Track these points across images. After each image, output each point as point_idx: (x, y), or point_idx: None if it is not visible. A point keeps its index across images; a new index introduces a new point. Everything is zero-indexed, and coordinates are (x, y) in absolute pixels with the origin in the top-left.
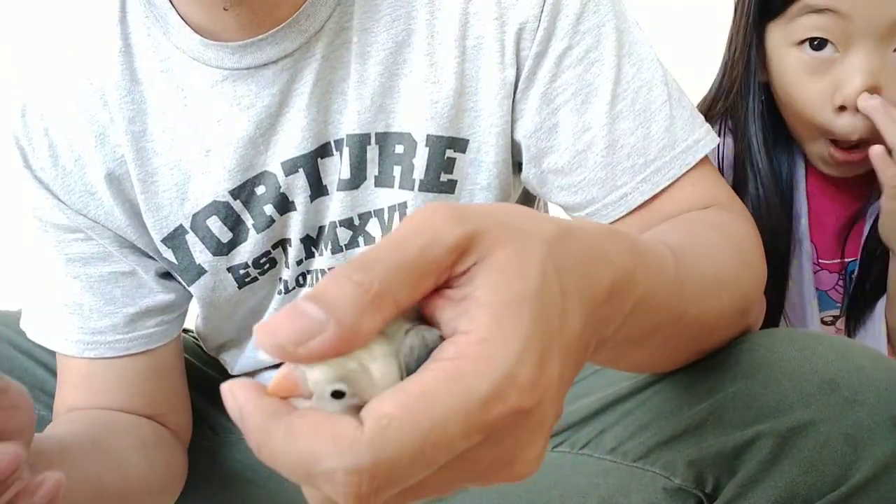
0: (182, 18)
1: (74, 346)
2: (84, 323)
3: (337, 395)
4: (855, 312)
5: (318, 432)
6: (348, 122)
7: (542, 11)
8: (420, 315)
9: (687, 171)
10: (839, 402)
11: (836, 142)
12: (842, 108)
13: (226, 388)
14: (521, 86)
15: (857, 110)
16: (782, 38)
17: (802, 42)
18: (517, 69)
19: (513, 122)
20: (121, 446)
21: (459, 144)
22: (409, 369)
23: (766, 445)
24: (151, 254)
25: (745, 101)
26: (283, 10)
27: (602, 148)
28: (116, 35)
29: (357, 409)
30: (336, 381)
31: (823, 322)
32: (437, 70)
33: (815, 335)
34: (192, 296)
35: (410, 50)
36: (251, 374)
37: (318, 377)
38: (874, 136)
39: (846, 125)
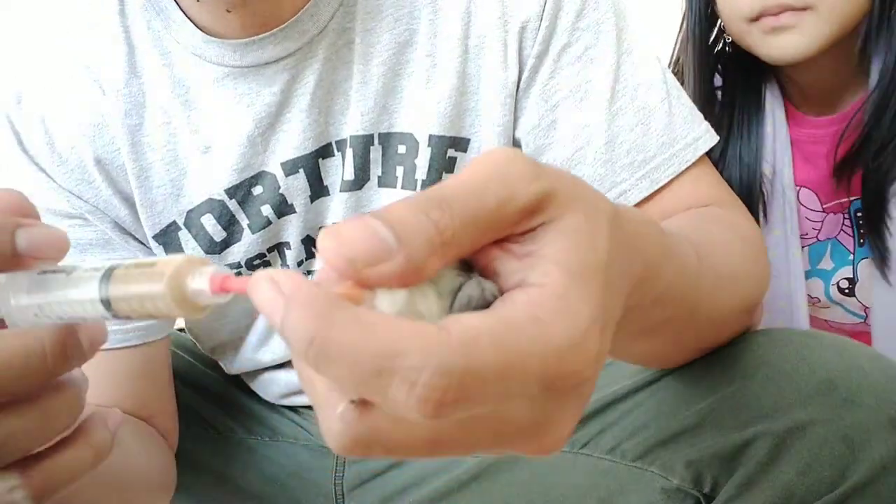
0: (184, 13)
1: None
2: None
3: None
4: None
5: (399, 327)
6: (351, 122)
7: (543, 10)
8: (464, 260)
9: (687, 169)
10: (837, 403)
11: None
12: None
13: (262, 275)
14: (522, 84)
15: None
16: None
17: None
18: (519, 68)
19: (514, 119)
20: (121, 434)
21: (461, 144)
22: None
23: (763, 446)
24: (147, 244)
25: (690, 26)
26: (286, 11)
27: (601, 144)
28: (117, 26)
29: None
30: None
31: (840, 289)
32: (439, 70)
33: (812, 335)
34: None
35: (413, 50)
36: (250, 375)
37: (388, 308)
38: (793, 3)
39: None
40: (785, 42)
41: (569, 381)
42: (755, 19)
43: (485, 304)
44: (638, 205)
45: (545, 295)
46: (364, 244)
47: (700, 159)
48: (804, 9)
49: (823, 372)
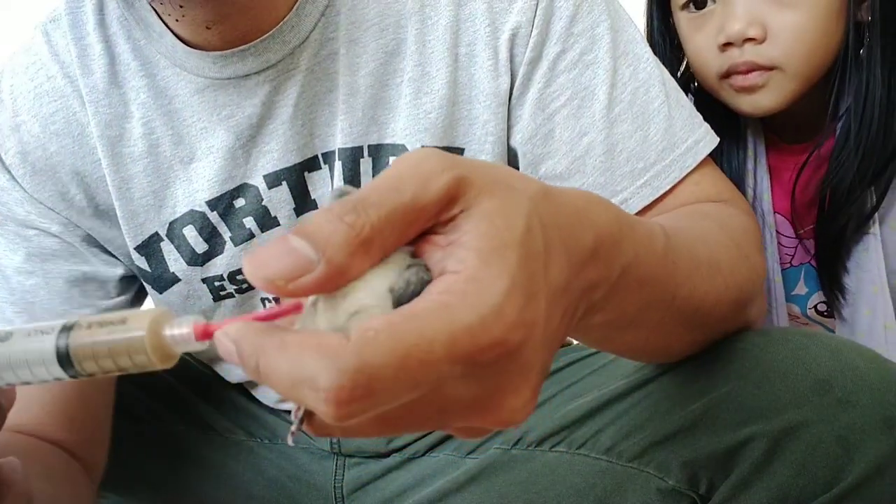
0: (165, 24)
1: None
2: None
3: None
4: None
5: (306, 343)
6: (338, 134)
7: (535, 15)
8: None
9: (688, 173)
10: (832, 403)
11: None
12: (726, 45)
13: (219, 332)
14: (515, 92)
15: (741, 44)
16: (675, 9)
17: (686, 4)
18: (511, 76)
19: (508, 128)
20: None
21: (454, 154)
22: (401, 302)
23: (758, 447)
24: (121, 258)
25: None
26: (267, 24)
27: (600, 153)
28: (96, 38)
29: None
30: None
31: (818, 311)
32: (429, 79)
33: (808, 334)
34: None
35: (401, 60)
36: (250, 381)
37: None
38: (760, 62)
39: (732, 56)
40: (755, 100)
41: (492, 351)
42: (726, 76)
43: (422, 288)
44: (640, 212)
45: (458, 280)
46: (282, 262)
47: (701, 161)
48: (771, 68)
49: (819, 372)
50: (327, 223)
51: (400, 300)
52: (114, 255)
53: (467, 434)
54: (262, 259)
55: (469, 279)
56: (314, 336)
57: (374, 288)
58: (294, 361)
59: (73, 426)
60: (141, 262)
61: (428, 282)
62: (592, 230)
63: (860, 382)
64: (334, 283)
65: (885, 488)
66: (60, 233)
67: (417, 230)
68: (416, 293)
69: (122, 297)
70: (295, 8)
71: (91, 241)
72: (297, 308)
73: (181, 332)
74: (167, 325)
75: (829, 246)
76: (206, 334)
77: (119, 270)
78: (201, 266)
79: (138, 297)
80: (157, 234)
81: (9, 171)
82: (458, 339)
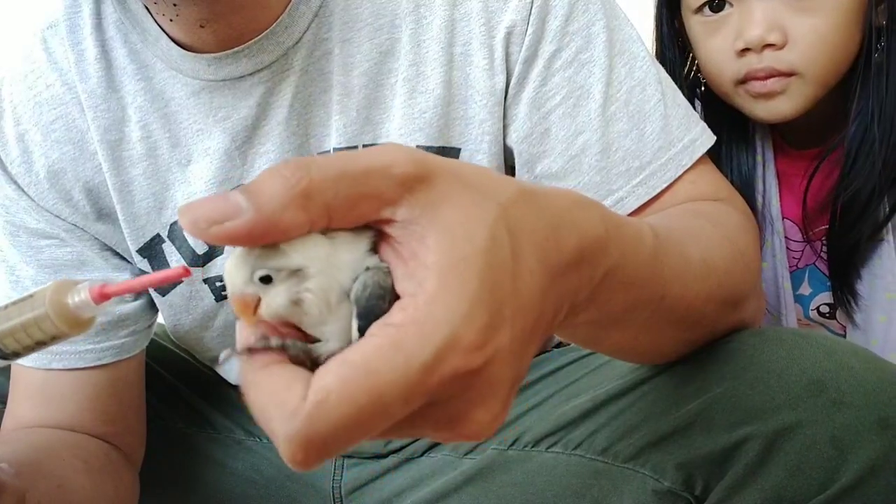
0: (160, 27)
1: (41, 357)
2: None
3: (266, 280)
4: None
5: (273, 395)
6: (333, 135)
7: (530, 14)
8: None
9: (684, 172)
10: (826, 404)
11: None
12: (744, 51)
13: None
14: (511, 91)
15: (760, 49)
16: (687, 12)
17: (700, 8)
18: (507, 74)
19: (504, 127)
20: (64, 470)
21: (451, 154)
22: (358, 303)
23: (752, 448)
24: (129, 259)
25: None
26: (261, 24)
27: (596, 152)
28: (92, 42)
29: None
30: (257, 269)
31: (820, 313)
32: (423, 79)
33: (803, 334)
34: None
35: (395, 59)
36: None
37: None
38: (780, 68)
39: (751, 61)
40: (773, 106)
41: (453, 381)
42: (742, 81)
43: (382, 292)
44: (635, 211)
45: (416, 306)
46: (210, 205)
47: (697, 160)
48: (791, 74)
49: (813, 373)
50: (264, 176)
51: (358, 301)
52: (124, 259)
53: (447, 441)
54: (192, 204)
55: (426, 303)
56: (281, 388)
57: (334, 270)
58: (262, 409)
59: (109, 418)
60: (143, 265)
61: (388, 288)
62: (576, 234)
63: (854, 383)
64: (263, 232)
65: (879, 489)
66: (69, 240)
67: (372, 209)
68: (374, 296)
69: (137, 303)
70: (288, 8)
71: (102, 246)
72: (185, 273)
73: (81, 298)
74: (68, 294)
75: (842, 253)
76: (102, 296)
77: (128, 276)
78: (202, 267)
79: (152, 303)
80: (158, 235)
81: (14, 182)
82: (413, 382)
